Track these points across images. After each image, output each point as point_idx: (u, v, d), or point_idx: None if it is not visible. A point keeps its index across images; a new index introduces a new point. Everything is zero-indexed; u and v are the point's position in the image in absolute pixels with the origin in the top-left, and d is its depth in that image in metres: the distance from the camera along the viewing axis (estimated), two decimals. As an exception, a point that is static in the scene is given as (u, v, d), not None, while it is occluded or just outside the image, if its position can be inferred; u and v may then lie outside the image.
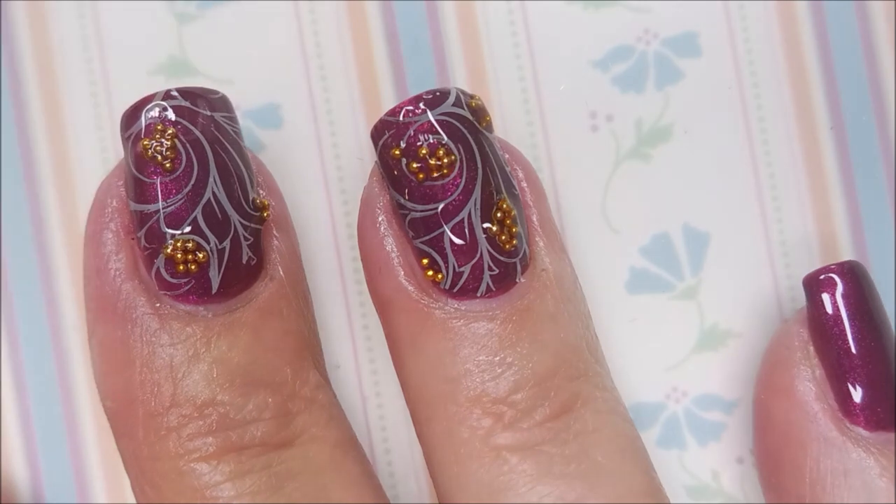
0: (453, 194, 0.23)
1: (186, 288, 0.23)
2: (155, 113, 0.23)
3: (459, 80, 0.27)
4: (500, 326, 0.23)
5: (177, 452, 0.22)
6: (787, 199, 0.27)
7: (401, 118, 0.23)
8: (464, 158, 0.23)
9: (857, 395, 0.24)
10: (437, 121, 0.23)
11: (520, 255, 0.23)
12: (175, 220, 0.23)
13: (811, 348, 0.25)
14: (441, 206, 0.23)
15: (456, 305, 0.23)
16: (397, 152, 0.23)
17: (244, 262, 0.23)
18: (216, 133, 0.23)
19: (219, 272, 0.23)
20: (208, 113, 0.23)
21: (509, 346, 0.23)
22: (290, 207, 0.27)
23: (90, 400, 0.27)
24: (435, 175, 0.23)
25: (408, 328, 0.24)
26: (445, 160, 0.23)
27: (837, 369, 0.24)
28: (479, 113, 0.23)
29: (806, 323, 0.25)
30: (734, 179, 0.27)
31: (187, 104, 0.23)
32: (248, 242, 0.23)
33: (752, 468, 0.27)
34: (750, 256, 0.27)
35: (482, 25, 0.27)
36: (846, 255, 0.27)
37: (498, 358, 0.23)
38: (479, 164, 0.23)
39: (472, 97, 0.23)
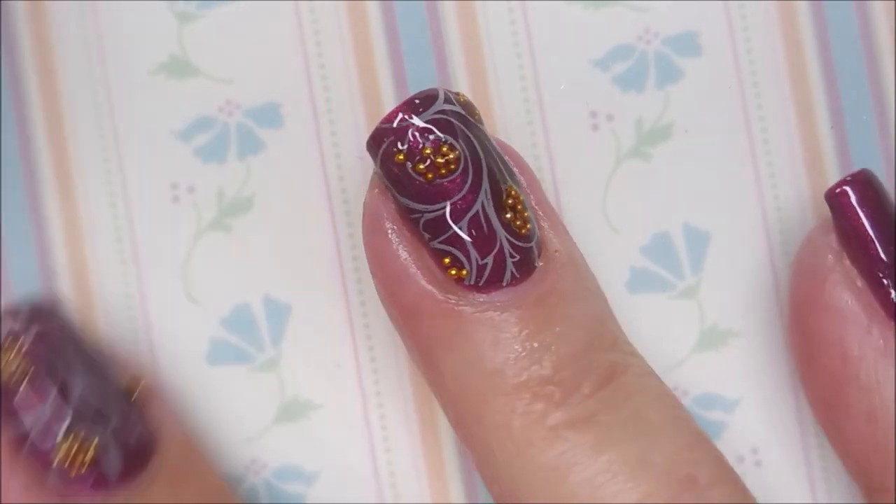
0: (464, 188, 0.23)
1: (84, 484, 0.23)
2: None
3: (459, 80, 0.27)
4: (531, 311, 0.23)
5: None
6: (788, 198, 0.27)
7: (396, 124, 0.23)
8: (467, 152, 0.23)
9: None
10: (434, 119, 0.23)
11: (535, 239, 0.24)
12: (54, 422, 0.23)
13: (846, 261, 0.24)
14: (454, 201, 0.23)
15: (483, 298, 0.23)
16: (401, 157, 0.23)
17: (134, 443, 0.24)
18: (65, 335, 0.24)
19: (113, 459, 0.23)
20: (51, 317, 0.24)
21: (544, 329, 0.23)
22: (290, 207, 0.27)
23: (90, 400, 0.27)
24: (443, 172, 0.23)
25: (440, 332, 0.24)
26: (451, 156, 0.23)
27: (879, 275, 0.24)
28: (469, 107, 0.24)
29: (834, 235, 0.25)
30: (734, 179, 0.27)
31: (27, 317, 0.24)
32: (132, 423, 0.24)
33: (754, 467, 0.27)
34: (750, 256, 0.27)
35: (482, 25, 0.27)
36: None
37: (536, 342, 0.23)
38: (482, 156, 0.23)
39: (458, 94, 0.24)
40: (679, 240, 0.27)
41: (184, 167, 0.27)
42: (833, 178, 0.27)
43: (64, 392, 0.23)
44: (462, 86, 0.27)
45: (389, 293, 0.24)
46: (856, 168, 0.27)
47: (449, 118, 0.23)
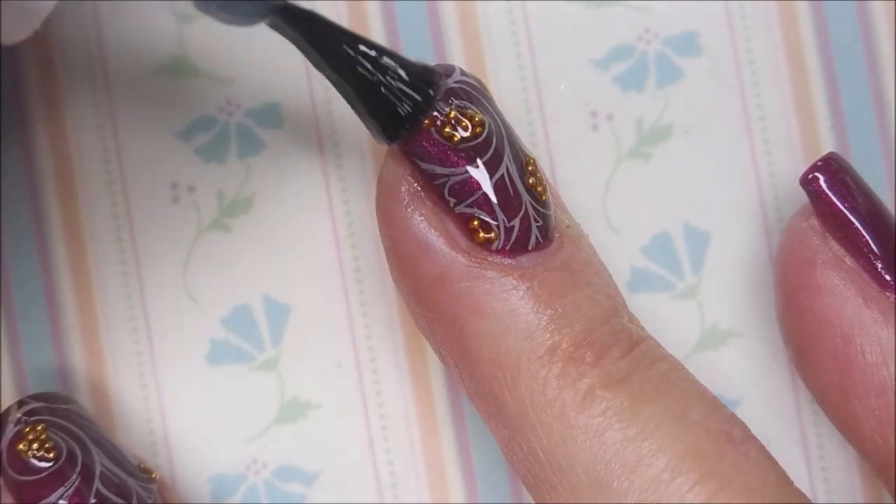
0: (489, 151, 0.23)
1: None
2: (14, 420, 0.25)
3: (460, 80, 0.27)
4: (559, 273, 0.23)
5: None
6: (788, 198, 0.27)
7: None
8: (488, 118, 0.23)
9: (881, 267, 0.24)
10: (457, 85, 0.23)
11: (552, 208, 0.24)
12: None
13: (831, 242, 0.25)
14: (481, 163, 0.23)
15: (510, 262, 0.23)
16: (427, 121, 0.23)
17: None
18: (80, 420, 0.25)
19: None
20: (64, 405, 0.25)
21: (573, 292, 0.23)
22: (290, 207, 0.27)
23: (90, 399, 0.27)
24: (468, 135, 0.23)
25: (468, 298, 0.23)
26: (476, 118, 0.23)
27: (865, 251, 0.24)
28: (481, 83, 0.24)
29: (815, 219, 0.25)
30: (734, 179, 0.27)
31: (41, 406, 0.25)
32: (153, 500, 0.24)
33: (753, 467, 0.27)
34: (750, 256, 0.27)
35: (482, 25, 0.27)
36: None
37: (565, 305, 0.23)
38: (501, 123, 0.23)
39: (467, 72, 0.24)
40: (679, 240, 0.27)
41: (184, 167, 0.27)
42: (833, 178, 0.27)
43: (88, 470, 0.24)
44: (462, 86, 0.27)
45: (411, 264, 0.24)
46: (856, 168, 0.27)
47: (468, 88, 0.23)
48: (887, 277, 0.24)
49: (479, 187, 0.23)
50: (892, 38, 0.27)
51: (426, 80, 0.23)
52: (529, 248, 0.23)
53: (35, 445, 0.24)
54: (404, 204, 0.24)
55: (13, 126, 0.27)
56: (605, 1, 0.27)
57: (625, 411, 0.22)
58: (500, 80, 0.27)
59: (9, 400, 0.27)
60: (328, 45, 0.23)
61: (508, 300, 0.23)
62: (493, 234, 0.23)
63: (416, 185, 0.23)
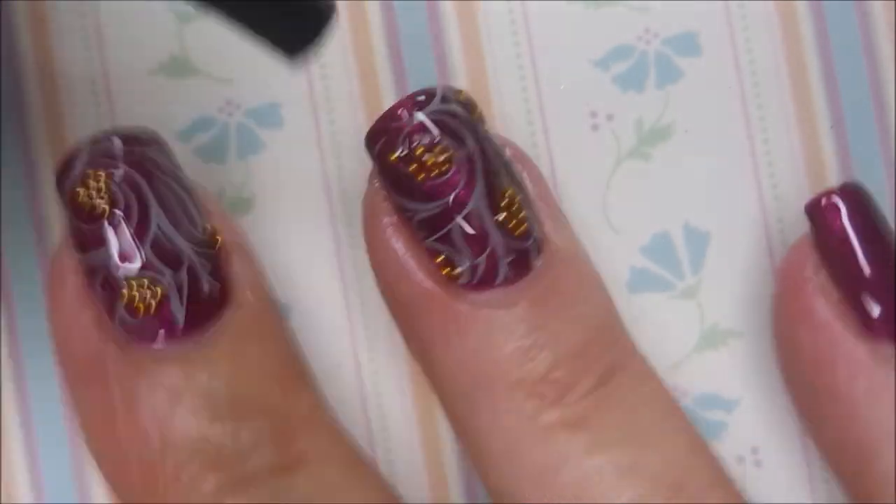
0: (457, 188, 0.23)
1: (152, 328, 0.22)
2: (83, 162, 0.23)
3: (459, 80, 0.27)
4: (527, 311, 0.23)
5: (183, 499, 0.22)
6: (788, 198, 0.27)
7: (391, 122, 0.23)
8: (461, 152, 0.23)
9: (876, 310, 0.24)
10: (429, 119, 0.23)
11: (532, 239, 0.23)
12: (125, 261, 0.22)
13: (823, 272, 0.24)
14: (447, 201, 0.23)
15: (478, 297, 0.23)
16: (394, 156, 0.23)
17: (207, 291, 0.23)
18: (150, 169, 0.23)
19: (182, 305, 0.22)
20: (139, 148, 0.23)
21: (539, 329, 0.23)
22: (289, 207, 0.27)
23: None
24: (435, 172, 0.23)
25: (436, 328, 0.24)
26: (443, 157, 0.23)
27: (853, 288, 0.24)
28: (469, 106, 0.24)
29: (813, 248, 0.25)
30: (734, 179, 0.27)
31: (115, 146, 0.23)
32: (207, 271, 0.23)
33: (754, 467, 0.27)
34: (750, 256, 0.27)
35: (482, 25, 0.27)
36: (846, 254, 0.27)
37: (530, 341, 0.23)
38: (478, 155, 0.23)
39: (459, 92, 0.24)
40: (679, 240, 0.27)
41: (184, 167, 0.27)
42: (833, 178, 0.27)
43: (141, 228, 0.22)
44: (462, 86, 0.27)
45: (388, 288, 0.24)
46: (856, 168, 0.27)
47: (444, 118, 0.23)
48: (874, 317, 0.24)
49: (445, 224, 0.23)
50: (892, 38, 0.27)
51: None
52: (497, 283, 0.23)
53: (94, 193, 0.23)
54: (384, 228, 0.24)
55: (13, 126, 0.27)
56: (605, 1, 0.27)
57: (578, 454, 0.23)
58: (500, 80, 0.27)
59: (9, 400, 0.27)
60: None
61: (472, 335, 0.23)
62: (458, 271, 0.23)
63: (394, 211, 0.24)
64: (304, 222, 0.27)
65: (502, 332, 0.23)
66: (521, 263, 0.23)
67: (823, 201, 0.24)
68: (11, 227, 0.27)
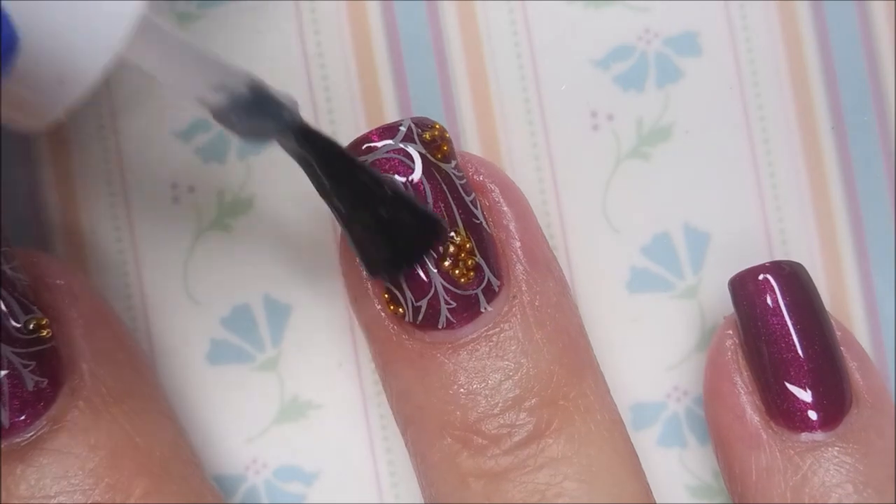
0: None
1: None
2: None
3: (459, 80, 0.27)
4: (465, 357, 0.23)
5: None
6: (788, 198, 0.27)
7: (359, 149, 0.23)
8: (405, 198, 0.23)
9: (778, 397, 0.24)
10: (383, 159, 0.23)
11: (481, 287, 0.23)
12: None
13: (740, 351, 0.25)
14: None
15: (422, 336, 0.23)
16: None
17: (31, 389, 0.23)
18: None
19: (5, 407, 0.22)
20: None
21: (475, 376, 0.23)
22: (289, 207, 0.27)
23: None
24: None
25: (383, 355, 0.24)
26: None
27: (761, 371, 0.24)
28: (434, 144, 0.23)
29: (735, 326, 0.25)
30: (734, 179, 0.27)
31: None
32: (30, 368, 0.23)
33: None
34: (750, 256, 0.27)
35: (482, 25, 0.27)
36: (846, 254, 0.27)
37: (463, 387, 0.23)
38: (430, 200, 0.23)
39: (428, 128, 0.23)
40: (679, 240, 0.27)
41: (184, 167, 0.27)
42: (833, 177, 0.27)
43: None
44: (462, 86, 0.27)
45: (351, 306, 0.25)
46: (856, 168, 0.27)
47: (400, 157, 0.23)
48: (778, 403, 0.24)
49: None
50: (892, 38, 0.27)
51: (431, 222, 0.23)
52: (439, 327, 0.23)
53: None
54: (350, 255, 0.24)
55: (12, 126, 0.27)
56: (605, 1, 0.27)
57: None
58: (500, 80, 0.27)
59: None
60: (340, 172, 0.22)
61: (411, 370, 0.24)
62: (401, 310, 0.23)
63: None
64: (304, 222, 0.27)
65: (437, 373, 0.23)
66: (466, 310, 0.23)
67: (738, 280, 0.25)
68: (11, 227, 0.27)
